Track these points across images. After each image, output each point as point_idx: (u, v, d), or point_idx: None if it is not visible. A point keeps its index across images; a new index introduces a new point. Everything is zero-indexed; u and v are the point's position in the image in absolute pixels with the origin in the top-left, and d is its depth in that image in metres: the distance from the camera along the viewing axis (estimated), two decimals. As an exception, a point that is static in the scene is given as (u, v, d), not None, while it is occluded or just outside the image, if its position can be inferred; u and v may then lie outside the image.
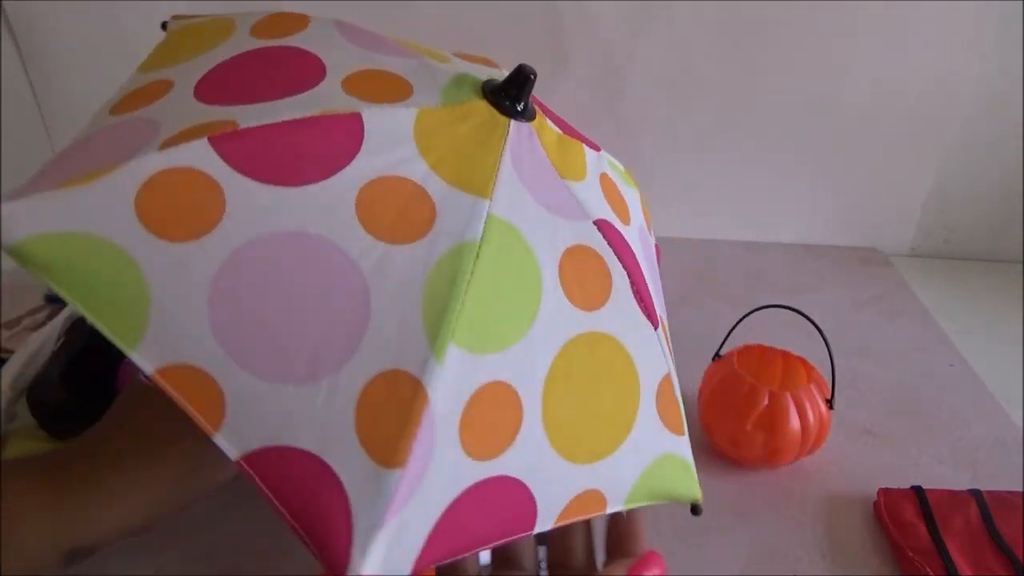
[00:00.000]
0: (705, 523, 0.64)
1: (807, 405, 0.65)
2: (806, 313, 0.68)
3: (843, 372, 0.70)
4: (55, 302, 0.73)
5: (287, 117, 0.33)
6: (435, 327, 0.31)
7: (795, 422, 0.64)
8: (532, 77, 0.39)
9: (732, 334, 0.72)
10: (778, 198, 1.14)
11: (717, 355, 0.73)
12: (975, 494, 0.64)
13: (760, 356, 0.73)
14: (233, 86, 0.36)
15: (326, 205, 0.32)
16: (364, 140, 0.34)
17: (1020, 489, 0.66)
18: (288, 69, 0.38)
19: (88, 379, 0.66)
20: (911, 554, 0.58)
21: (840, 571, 0.60)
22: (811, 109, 1.06)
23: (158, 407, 0.37)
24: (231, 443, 0.30)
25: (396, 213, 0.33)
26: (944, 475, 0.70)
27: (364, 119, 0.34)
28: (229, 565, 0.59)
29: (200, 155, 0.32)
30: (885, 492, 0.65)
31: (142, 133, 0.34)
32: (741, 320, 0.72)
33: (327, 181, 0.33)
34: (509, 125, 0.38)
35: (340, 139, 0.34)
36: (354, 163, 0.34)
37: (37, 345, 0.65)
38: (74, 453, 0.39)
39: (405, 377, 0.31)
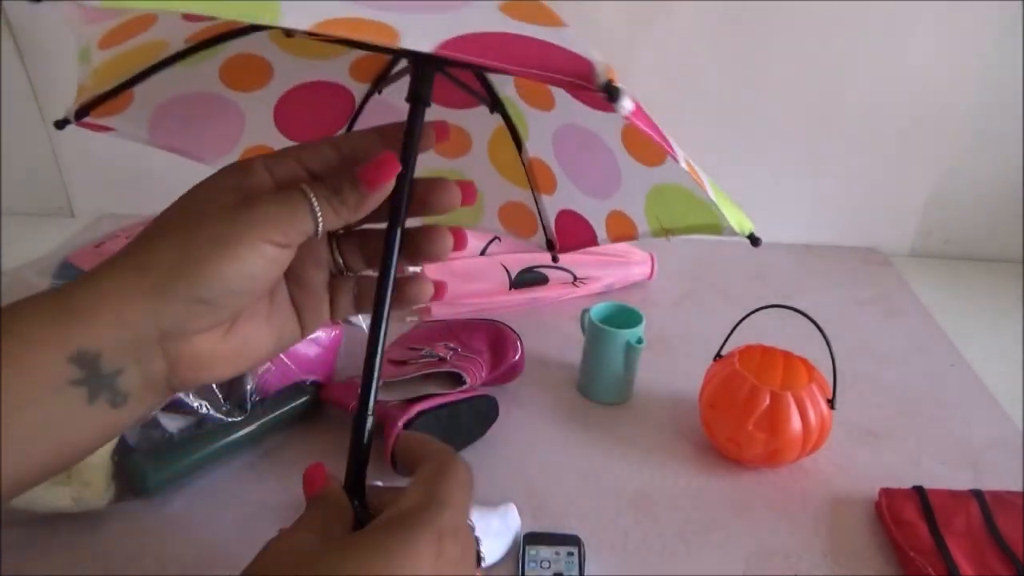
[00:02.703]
0: (706, 523, 0.64)
1: (808, 405, 0.65)
2: (807, 313, 0.68)
3: (844, 372, 0.70)
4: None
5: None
6: None
7: (796, 422, 0.64)
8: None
9: (733, 334, 0.72)
10: (778, 198, 1.14)
11: (718, 355, 0.73)
12: (976, 494, 0.64)
13: (761, 356, 0.73)
14: None
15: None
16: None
17: (1021, 489, 0.66)
18: None
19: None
20: (912, 554, 0.58)
21: (841, 571, 0.60)
22: (812, 109, 1.06)
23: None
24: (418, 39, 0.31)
25: None
26: (945, 475, 0.70)
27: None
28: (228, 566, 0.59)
29: None
30: (886, 492, 0.65)
31: None
32: (742, 320, 0.72)
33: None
34: None
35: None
36: None
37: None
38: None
39: None
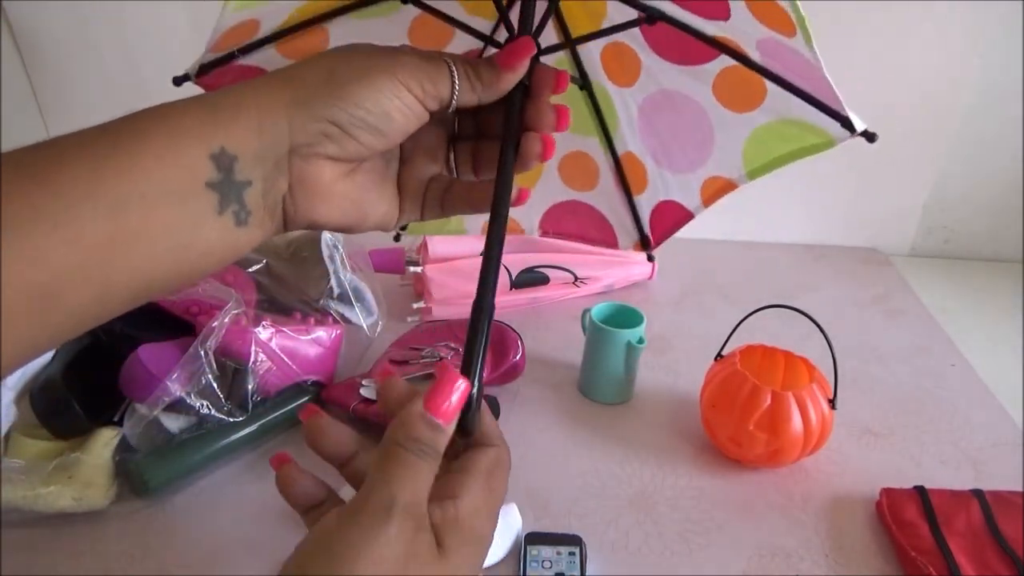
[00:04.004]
0: (707, 522, 0.64)
1: (809, 405, 0.65)
2: (808, 313, 0.68)
3: (845, 372, 0.70)
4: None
5: None
6: None
7: (797, 422, 0.64)
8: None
9: (734, 334, 0.72)
10: (778, 198, 1.14)
11: (719, 355, 0.73)
12: (977, 494, 0.64)
13: (762, 356, 0.73)
14: None
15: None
16: None
17: (1021, 489, 0.66)
18: None
19: (89, 379, 0.66)
20: (913, 554, 0.58)
21: (842, 571, 0.60)
22: (812, 109, 1.06)
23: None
24: None
25: None
26: (946, 475, 0.70)
27: None
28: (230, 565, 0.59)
29: None
30: (887, 492, 0.65)
31: None
32: (743, 320, 0.72)
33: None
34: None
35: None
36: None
37: (38, 345, 0.65)
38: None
39: None
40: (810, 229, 1.17)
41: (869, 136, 0.47)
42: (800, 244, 1.18)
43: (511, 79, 0.41)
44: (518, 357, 0.78)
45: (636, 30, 0.50)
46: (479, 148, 0.46)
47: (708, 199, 0.63)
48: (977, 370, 0.87)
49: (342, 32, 0.54)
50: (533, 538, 0.60)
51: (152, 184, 0.32)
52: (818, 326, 0.67)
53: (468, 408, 0.35)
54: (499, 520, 0.60)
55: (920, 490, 0.64)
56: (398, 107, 0.38)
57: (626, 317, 0.78)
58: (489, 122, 0.46)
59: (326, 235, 0.80)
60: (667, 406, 0.79)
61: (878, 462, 0.72)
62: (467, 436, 0.37)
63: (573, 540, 0.60)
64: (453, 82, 0.39)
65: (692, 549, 0.62)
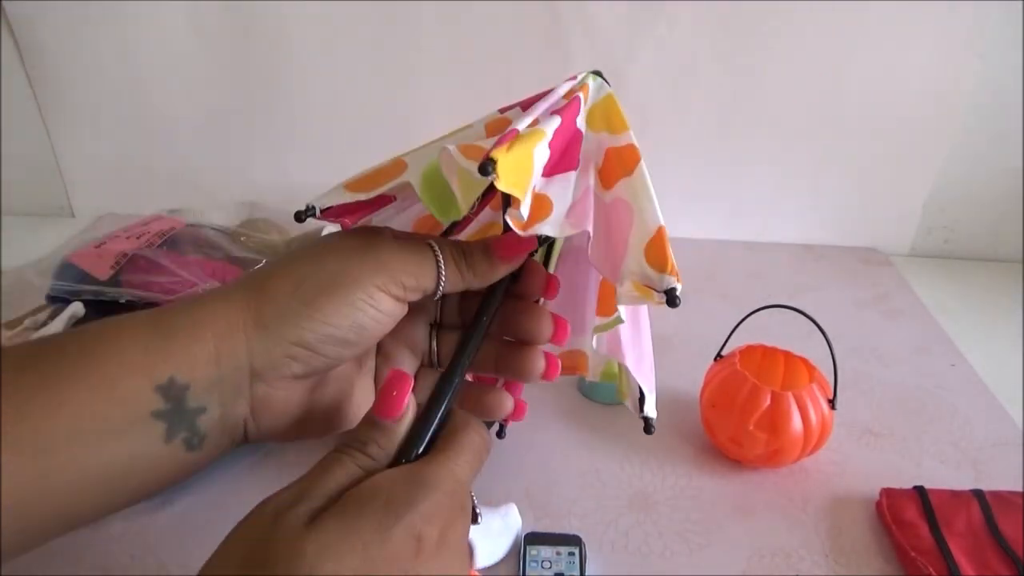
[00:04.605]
0: (707, 523, 0.64)
1: (809, 405, 0.65)
2: (808, 313, 0.68)
3: (845, 372, 0.70)
4: (57, 302, 0.72)
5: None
6: None
7: (797, 422, 0.64)
8: None
9: (734, 334, 0.72)
10: (778, 198, 1.14)
11: (719, 355, 0.73)
12: (977, 494, 0.64)
13: (762, 356, 0.73)
14: None
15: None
16: None
17: (1022, 489, 0.66)
18: None
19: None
20: (913, 554, 0.58)
21: (842, 571, 0.60)
22: (811, 109, 1.06)
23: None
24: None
25: None
26: (946, 475, 0.70)
27: None
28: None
29: None
30: (887, 492, 0.65)
31: None
32: (743, 320, 0.72)
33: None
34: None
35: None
36: None
37: (38, 345, 0.65)
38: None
39: None
40: (810, 229, 1.17)
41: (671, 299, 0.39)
42: (800, 244, 1.18)
43: (504, 270, 0.38)
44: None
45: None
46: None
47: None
48: (977, 370, 0.87)
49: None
50: (532, 538, 0.60)
51: (85, 421, 0.29)
52: (818, 326, 0.67)
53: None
54: (499, 520, 0.60)
55: (920, 490, 0.64)
56: (373, 316, 0.35)
57: (626, 317, 0.78)
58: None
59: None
60: (667, 406, 0.78)
61: (878, 462, 0.72)
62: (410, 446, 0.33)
63: (573, 540, 0.60)
64: (439, 272, 0.36)
65: (692, 549, 0.61)
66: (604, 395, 0.79)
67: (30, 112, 1.09)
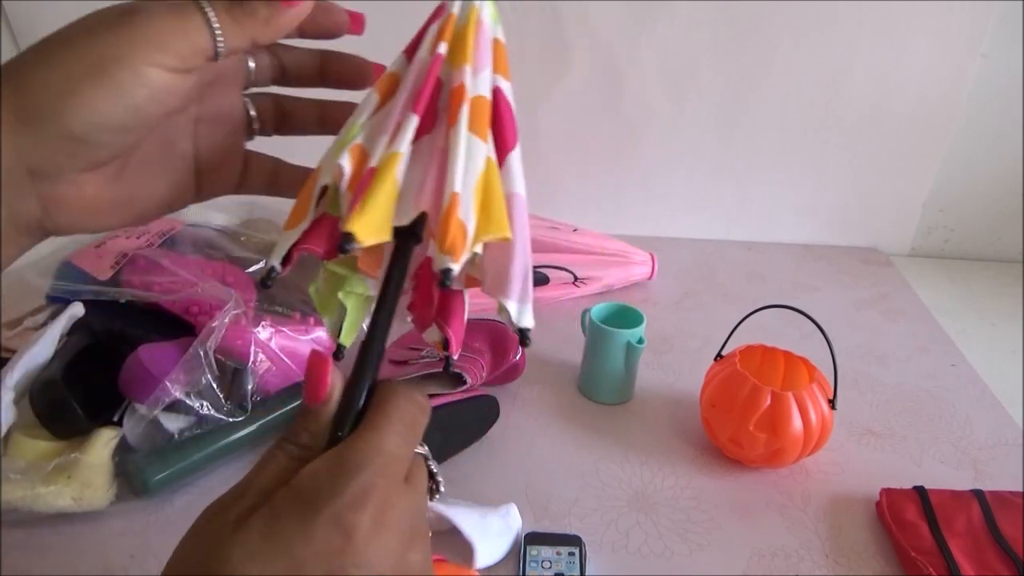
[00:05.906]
0: (707, 523, 0.64)
1: (809, 405, 0.65)
2: (808, 313, 0.68)
3: (845, 372, 0.70)
4: (56, 302, 0.72)
5: None
6: None
7: (797, 422, 0.64)
8: None
9: (734, 334, 0.72)
10: (778, 198, 1.14)
11: (719, 355, 0.73)
12: (977, 494, 0.64)
13: (762, 356, 0.73)
14: None
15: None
16: None
17: (1021, 489, 0.66)
18: None
19: (89, 379, 0.66)
20: (913, 554, 0.58)
21: (842, 571, 0.60)
22: (811, 109, 1.06)
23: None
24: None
25: None
26: (946, 475, 0.70)
27: None
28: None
29: None
30: (887, 492, 0.65)
31: None
32: (743, 320, 0.72)
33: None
34: None
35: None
36: None
37: (38, 345, 0.65)
38: None
39: None
40: (810, 229, 1.17)
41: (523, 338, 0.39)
42: (800, 244, 1.18)
43: (294, 15, 0.34)
44: (518, 357, 0.78)
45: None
46: (281, 100, 0.40)
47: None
48: (977, 370, 0.87)
49: None
50: (533, 538, 0.60)
51: None
52: (818, 326, 0.67)
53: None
54: (499, 520, 0.60)
55: (920, 490, 0.64)
56: (147, 96, 0.31)
57: (626, 317, 0.78)
58: (293, 57, 0.38)
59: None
60: (667, 406, 0.79)
61: (878, 462, 0.72)
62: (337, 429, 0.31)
63: (573, 540, 0.60)
64: (211, 27, 0.32)
65: (692, 549, 0.61)
66: (604, 395, 0.79)
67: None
